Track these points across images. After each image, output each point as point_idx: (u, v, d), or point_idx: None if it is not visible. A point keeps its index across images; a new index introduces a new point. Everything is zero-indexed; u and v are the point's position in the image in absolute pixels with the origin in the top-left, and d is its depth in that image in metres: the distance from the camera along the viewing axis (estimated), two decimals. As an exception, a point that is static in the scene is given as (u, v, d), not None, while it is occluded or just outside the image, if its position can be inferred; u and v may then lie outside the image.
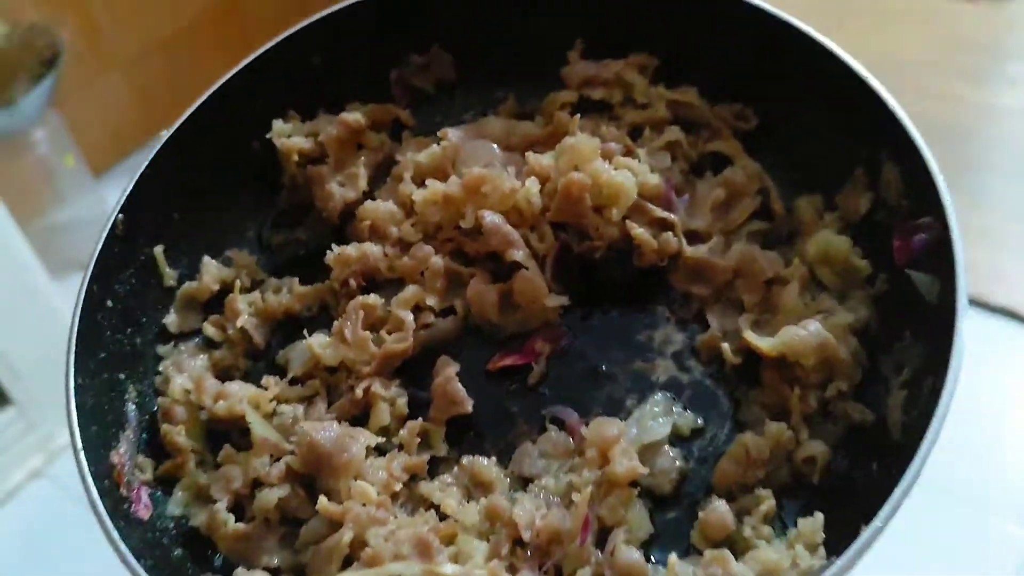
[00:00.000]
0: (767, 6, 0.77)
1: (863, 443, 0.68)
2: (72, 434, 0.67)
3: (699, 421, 0.72)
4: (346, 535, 0.65)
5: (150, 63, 2.38)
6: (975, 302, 1.19)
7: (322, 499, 0.67)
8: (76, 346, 0.70)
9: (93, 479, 0.65)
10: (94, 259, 0.74)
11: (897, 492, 0.57)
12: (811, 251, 0.74)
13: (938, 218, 0.67)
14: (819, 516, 0.64)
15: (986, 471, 1.24)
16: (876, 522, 0.56)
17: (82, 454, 0.66)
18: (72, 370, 0.69)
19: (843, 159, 0.76)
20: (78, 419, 0.67)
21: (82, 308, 0.72)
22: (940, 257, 0.66)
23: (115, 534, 0.63)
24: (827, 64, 0.74)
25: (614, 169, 0.75)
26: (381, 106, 0.87)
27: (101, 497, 0.65)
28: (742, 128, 0.82)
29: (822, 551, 0.62)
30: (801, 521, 0.65)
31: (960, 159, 1.36)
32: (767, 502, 0.67)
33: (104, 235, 0.75)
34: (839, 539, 0.62)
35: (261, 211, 0.86)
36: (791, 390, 0.70)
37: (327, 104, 0.86)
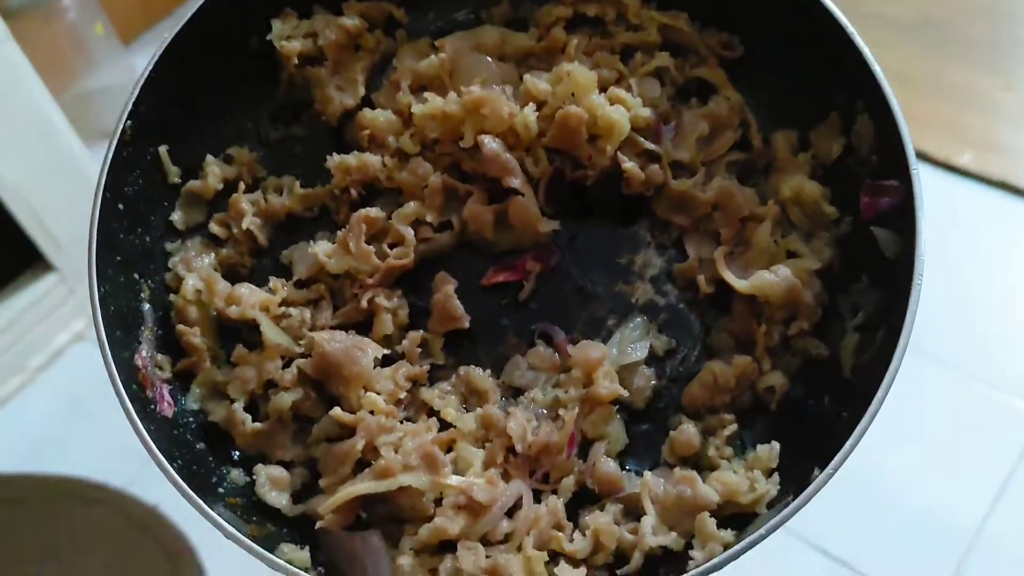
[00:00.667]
0: None
1: (818, 375, 0.77)
2: (102, 347, 0.71)
3: (673, 343, 0.81)
4: (359, 443, 0.73)
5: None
6: (1003, 184, 1.22)
7: (336, 409, 0.74)
8: (96, 258, 0.73)
9: (124, 387, 0.71)
10: (105, 166, 0.75)
11: (849, 441, 0.66)
12: (785, 192, 0.81)
13: (904, 183, 0.73)
14: (775, 445, 0.74)
15: (984, 343, 1.31)
16: (828, 470, 0.66)
17: (112, 364, 0.71)
18: (95, 282, 0.72)
19: (821, 101, 0.81)
20: (104, 326, 0.71)
21: (98, 219, 0.74)
22: (903, 219, 0.73)
23: (147, 437, 0.69)
24: (813, 9, 0.78)
25: (609, 102, 0.79)
26: (376, 3, 0.87)
27: (132, 403, 0.70)
28: (727, 56, 0.85)
29: (776, 476, 0.73)
30: (760, 447, 0.75)
31: (997, 39, 1.34)
32: (731, 426, 0.76)
33: (114, 141, 0.76)
34: (791, 464, 0.73)
35: (259, 106, 0.87)
36: (758, 324, 0.78)
37: (323, 0, 0.86)
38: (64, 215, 1.78)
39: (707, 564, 0.66)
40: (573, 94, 0.79)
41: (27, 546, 1.66)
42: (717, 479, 0.73)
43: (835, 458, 0.66)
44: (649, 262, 0.83)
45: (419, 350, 0.79)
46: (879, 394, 0.68)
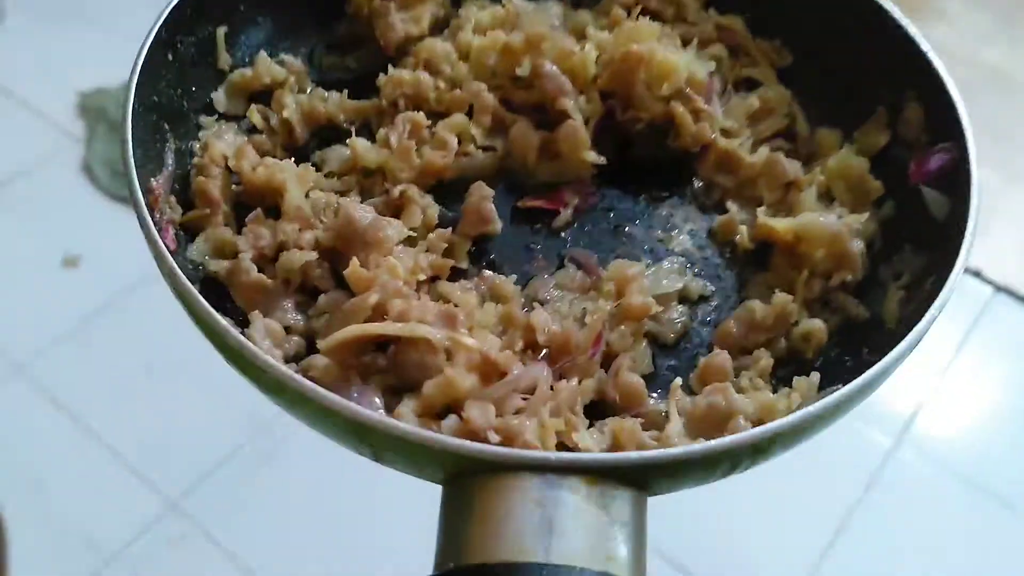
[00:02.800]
0: None
1: (857, 335, 0.73)
2: (124, 141, 0.67)
3: (709, 289, 0.77)
4: (372, 297, 0.67)
5: None
6: None
7: (354, 262, 0.69)
8: (139, 75, 0.71)
9: (140, 186, 0.66)
10: (168, 8, 0.75)
11: (907, 340, 0.62)
12: (831, 165, 0.80)
13: (958, 143, 0.74)
14: (816, 376, 0.68)
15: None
16: (884, 360, 0.61)
17: (130, 155, 0.67)
18: (133, 91, 0.70)
19: (868, 99, 0.83)
20: (132, 136, 0.68)
21: (150, 44, 0.73)
22: (956, 179, 0.73)
23: (154, 233, 0.64)
24: (865, 8, 0.81)
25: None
26: (450, -42, 0.91)
27: (148, 212, 0.65)
28: (777, 63, 0.88)
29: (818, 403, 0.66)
30: (797, 380, 0.69)
31: None
32: (765, 359, 0.71)
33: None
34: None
35: (318, 34, 0.88)
36: (798, 275, 0.75)
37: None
38: None
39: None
40: (635, 43, 0.81)
41: None
42: (752, 397, 0.67)
43: (888, 354, 0.61)
44: (689, 217, 0.81)
45: (445, 247, 0.75)
46: (931, 311, 0.64)
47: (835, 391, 0.61)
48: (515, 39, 0.81)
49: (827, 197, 0.80)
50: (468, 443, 0.57)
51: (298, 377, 0.58)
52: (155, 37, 0.73)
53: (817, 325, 0.73)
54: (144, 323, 1.81)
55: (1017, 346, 1.19)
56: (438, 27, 0.89)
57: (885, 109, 0.82)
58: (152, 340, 1.82)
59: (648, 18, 0.87)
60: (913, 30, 0.80)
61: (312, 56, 0.88)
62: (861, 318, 0.74)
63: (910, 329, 0.63)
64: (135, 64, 0.71)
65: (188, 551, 1.59)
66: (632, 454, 0.57)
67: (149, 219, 0.64)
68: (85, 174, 1.78)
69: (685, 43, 0.87)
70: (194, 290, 0.61)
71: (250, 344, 0.59)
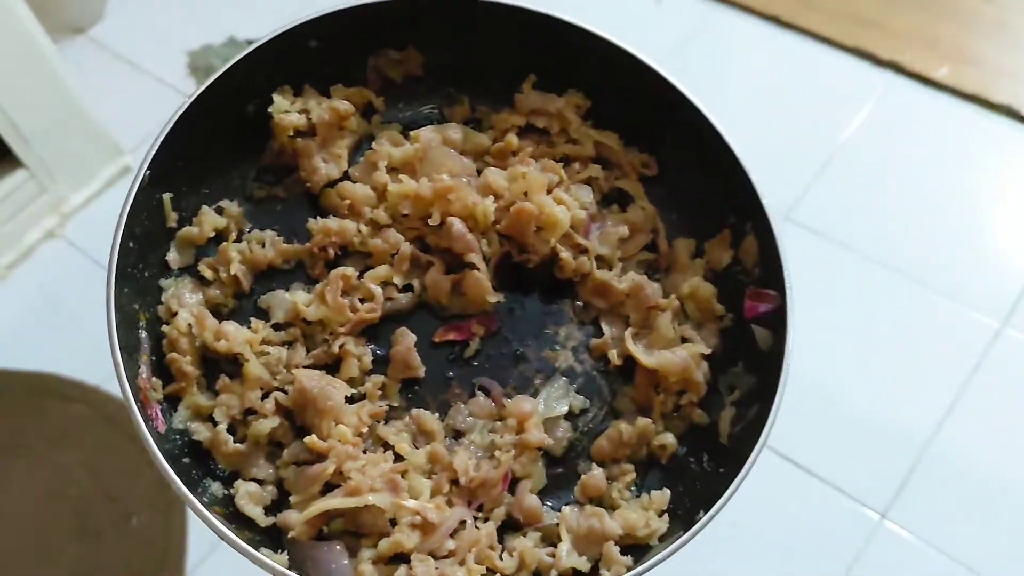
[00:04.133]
0: (664, 72, 0.98)
1: (700, 438, 0.96)
2: (118, 370, 0.81)
3: (586, 403, 0.98)
4: (330, 466, 0.86)
5: None
6: (977, 99, 1.18)
7: (312, 437, 0.87)
8: (114, 289, 0.84)
9: (136, 404, 0.81)
10: (128, 204, 0.86)
11: (726, 493, 0.85)
12: (685, 289, 1.00)
13: (781, 296, 0.94)
14: (666, 491, 0.92)
15: (947, 257, 1.30)
16: (709, 513, 0.84)
17: (128, 387, 0.81)
18: (112, 312, 0.83)
19: (716, 218, 1.01)
20: (120, 349, 0.82)
21: (118, 255, 0.85)
22: (777, 323, 0.94)
23: (158, 452, 0.80)
24: (714, 144, 0.97)
25: (555, 202, 0.96)
26: (358, 90, 1.02)
27: (146, 422, 0.81)
28: (645, 174, 1.05)
29: (666, 516, 0.90)
30: (654, 492, 0.92)
31: None
32: (630, 474, 0.94)
33: (135, 183, 0.87)
34: (677, 507, 0.91)
35: (247, 165, 1.00)
36: (656, 394, 0.96)
37: (313, 80, 1.00)
38: (31, 112, 1.77)
39: None
40: (526, 192, 0.96)
41: (1, 442, 1.65)
42: (619, 515, 0.90)
43: (715, 505, 0.85)
44: (571, 335, 1.00)
45: (379, 392, 0.93)
46: (751, 458, 0.87)
47: (664, 547, 0.84)
48: (425, 190, 0.96)
49: (681, 314, 1.00)
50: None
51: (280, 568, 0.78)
52: (123, 239, 0.85)
53: (670, 439, 0.95)
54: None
55: None
56: (358, 145, 1.01)
57: (729, 231, 1.01)
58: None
59: (535, 134, 1.02)
60: (755, 178, 0.97)
61: (245, 187, 0.99)
62: (703, 423, 0.97)
63: (736, 466, 0.86)
64: (110, 276, 0.84)
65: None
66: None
67: (141, 421, 0.80)
68: None
69: (566, 163, 1.02)
70: (183, 488, 0.79)
71: (229, 533, 0.78)
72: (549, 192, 0.98)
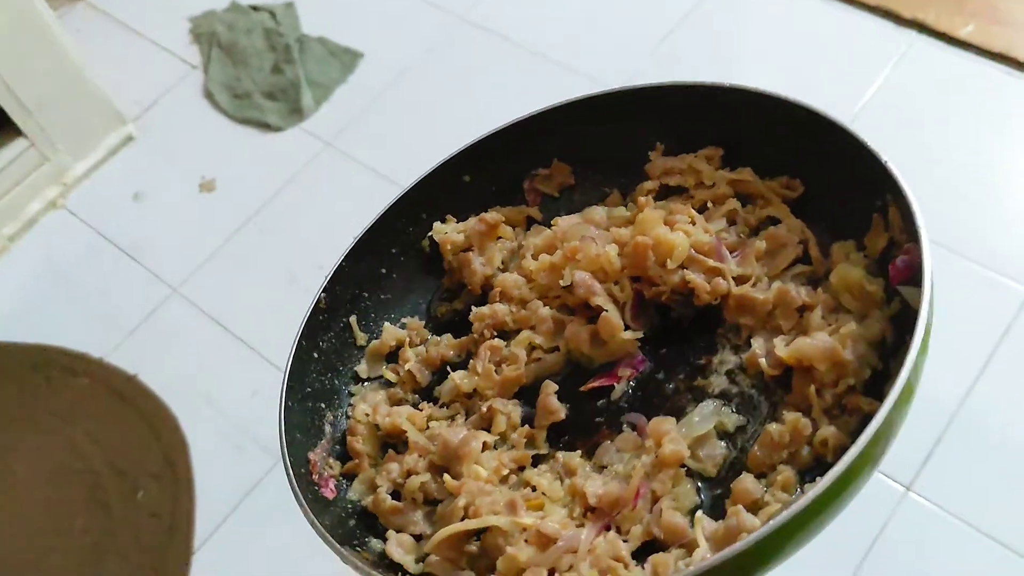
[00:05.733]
0: (798, 100, 0.97)
1: None
2: (280, 437, 0.95)
3: (744, 420, 0.90)
4: (461, 500, 0.89)
5: None
6: (1004, 58, 1.11)
7: (447, 476, 0.91)
8: (288, 381, 1.00)
9: (291, 467, 0.93)
10: (303, 325, 1.04)
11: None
12: (832, 281, 0.92)
13: (917, 244, 0.83)
14: (820, 481, 0.80)
15: (985, 223, 1.17)
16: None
17: (285, 449, 0.94)
18: (284, 396, 0.98)
19: (865, 210, 0.94)
20: (284, 429, 0.96)
21: (293, 356, 1.01)
22: (919, 272, 0.82)
23: (305, 505, 0.90)
24: (844, 141, 0.93)
25: (670, 230, 0.97)
26: (516, 208, 1.14)
27: (297, 480, 0.92)
28: (789, 196, 1.01)
29: None
30: (806, 486, 0.81)
31: None
32: (784, 473, 0.83)
33: (310, 309, 1.05)
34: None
35: (430, 290, 1.14)
36: (816, 393, 0.87)
37: (477, 210, 1.14)
38: (31, 80, 1.74)
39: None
40: (643, 232, 0.99)
41: (6, 415, 1.61)
42: (763, 512, 0.80)
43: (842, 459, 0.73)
44: (725, 360, 0.95)
45: (525, 440, 0.95)
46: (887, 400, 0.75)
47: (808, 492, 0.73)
48: (557, 257, 1.02)
49: (841, 309, 0.91)
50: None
51: None
52: (296, 350, 1.02)
53: (831, 431, 0.84)
54: (282, 236, 1.88)
55: None
56: (512, 256, 1.11)
57: (878, 214, 0.92)
58: (291, 250, 1.89)
59: (675, 194, 1.05)
60: (874, 146, 0.90)
61: (429, 307, 1.13)
62: (875, 412, 0.84)
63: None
64: (284, 377, 1.00)
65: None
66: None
67: (297, 486, 0.91)
68: (207, 99, 1.87)
69: (703, 207, 1.03)
70: (328, 535, 0.86)
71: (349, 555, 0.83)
72: (671, 227, 0.99)
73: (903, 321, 0.87)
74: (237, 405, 1.85)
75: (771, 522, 0.72)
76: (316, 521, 0.87)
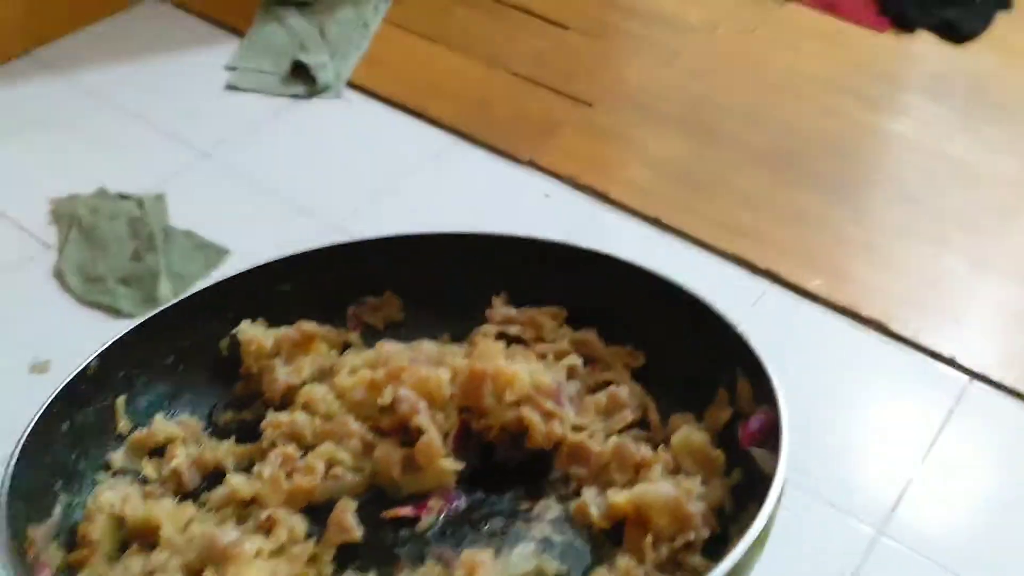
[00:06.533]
0: (646, 267, 0.96)
1: None
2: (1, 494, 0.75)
3: (564, 568, 0.80)
4: (214, 604, 0.71)
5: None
6: (849, 312, 1.19)
7: (208, 571, 0.73)
8: (27, 438, 0.81)
9: (8, 534, 0.73)
10: (61, 386, 0.86)
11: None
12: (674, 442, 0.86)
13: (772, 407, 0.81)
14: None
15: (845, 473, 1.14)
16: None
17: (4, 511, 0.74)
18: (18, 451, 0.79)
19: (710, 384, 0.91)
20: (9, 488, 0.76)
21: (41, 415, 0.83)
22: (775, 433, 0.79)
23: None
24: (695, 308, 0.92)
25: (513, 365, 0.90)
26: (336, 329, 1.03)
27: (10, 550, 0.72)
28: (632, 365, 0.97)
29: None
30: None
31: (846, 175, 1.38)
32: None
33: (75, 371, 0.88)
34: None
35: (215, 396, 0.99)
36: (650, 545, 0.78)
37: (291, 322, 1.02)
38: None
39: None
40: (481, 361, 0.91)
41: None
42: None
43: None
44: (549, 507, 0.85)
45: (307, 559, 0.80)
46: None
47: None
48: (379, 374, 0.91)
49: (681, 472, 0.85)
50: None
51: None
52: (46, 411, 0.84)
53: (661, 582, 0.75)
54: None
55: (996, 432, 1.13)
56: (323, 375, 0.99)
57: (724, 389, 0.89)
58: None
59: (510, 344, 0.98)
60: (733, 318, 0.89)
61: (211, 414, 0.98)
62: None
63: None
64: (23, 433, 0.81)
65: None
66: None
67: (9, 554, 0.71)
68: (56, 279, 1.68)
69: (542, 358, 0.97)
70: None
71: None
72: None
73: (744, 493, 0.82)
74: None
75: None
76: None
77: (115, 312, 1.44)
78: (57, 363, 1.78)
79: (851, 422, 1.15)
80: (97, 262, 1.66)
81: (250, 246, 1.46)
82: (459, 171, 1.45)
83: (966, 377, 1.14)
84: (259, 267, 1.01)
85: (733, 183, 1.25)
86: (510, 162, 1.41)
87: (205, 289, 0.99)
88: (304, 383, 0.96)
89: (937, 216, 1.32)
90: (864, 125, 1.50)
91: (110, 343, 0.91)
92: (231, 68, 1.72)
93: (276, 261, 1.02)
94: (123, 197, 1.56)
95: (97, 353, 0.90)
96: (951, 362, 1.14)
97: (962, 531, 1.03)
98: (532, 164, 1.44)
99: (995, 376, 1.14)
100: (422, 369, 0.91)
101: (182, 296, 0.98)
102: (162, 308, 0.96)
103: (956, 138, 1.48)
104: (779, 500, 0.73)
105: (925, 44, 1.74)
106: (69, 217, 1.85)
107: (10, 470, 0.78)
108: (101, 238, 1.62)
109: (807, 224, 1.28)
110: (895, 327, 1.18)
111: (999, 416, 1.12)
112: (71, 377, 0.87)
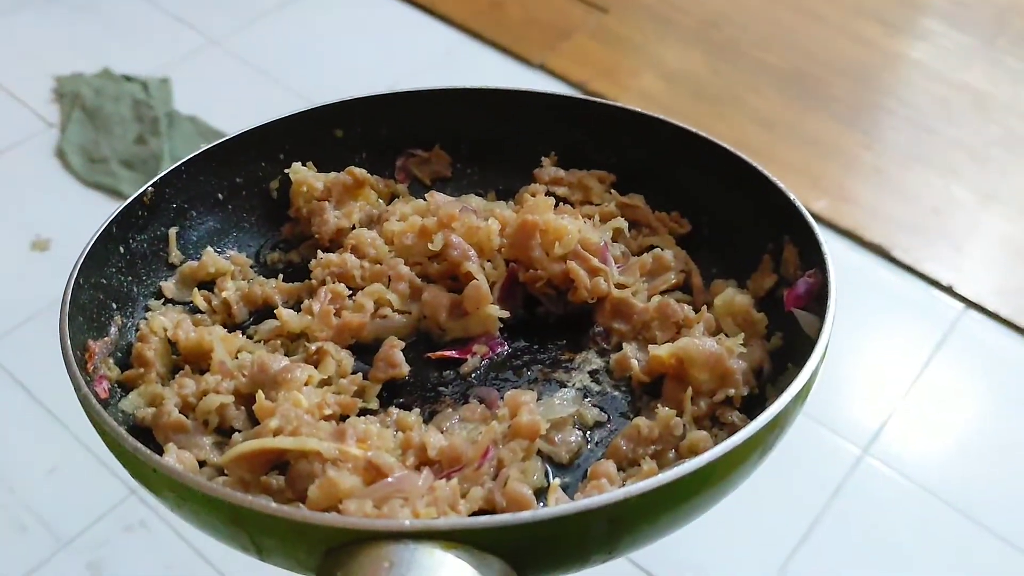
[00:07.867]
0: (700, 132, 0.95)
1: None
2: (63, 304, 0.77)
3: (604, 416, 0.81)
4: (273, 422, 0.73)
5: None
6: (852, 235, 1.22)
7: (259, 396, 0.76)
8: (86, 258, 0.82)
9: (69, 342, 0.75)
10: (118, 211, 0.87)
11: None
12: (717, 303, 0.87)
13: (822, 270, 0.81)
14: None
15: (835, 394, 1.19)
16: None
17: (66, 321, 0.76)
18: (78, 268, 0.81)
19: (754, 250, 0.91)
20: (71, 299, 0.78)
21: (98, 237, 0.84)
22: (822, 298, 0.79)
23: (79, 377, 0.72)
24: (748, 176, 0.91)
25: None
26: (385, 180, 1.04)
27: (72, 357, 0.74)
28: (677, 231, 0.98)
29: None
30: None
31: (861, 100, 1.39)
32: (649, 466, 0.74)
33: (132, 198, 0.89)
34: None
35: (265, 235, 1.00)
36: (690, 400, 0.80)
37: (340, 168, 1.03)
38: None
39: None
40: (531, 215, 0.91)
41: None
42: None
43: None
44: (588, 360, 0.87)
45: (354, 389, 0.82)
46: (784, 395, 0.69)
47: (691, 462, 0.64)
48: (430, 221, 0.92)
49: (718, 334, 0.86)
50: (329, 515, 0.61)
51: (177, 467, 0.63)
52: (104, 232, 0.85)
53: (702, 436, 0.77)
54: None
55: (986, 362, 1.16)
56: (370, 222, 1.00)
57: (769, 256, 0.90)
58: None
59: (557, 205, 0.98)
60: (782, 184, 0.89)
61: (259, 254, 0.99)
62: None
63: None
64: (83, 251, 0.83)
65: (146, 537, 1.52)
66: (480, 518, 0.60)
67: (76, 367, 0.73)
68: (58, 159, 1.71)
69: (588, 219, 0.97)
70: (96, 403, 0.68)
71: (136, 443, 0.65)
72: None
73: (783, 357, 0.84)
74: (29, 481, 1.67)
75: (656, 478, 0.63)
76: (88, 392, 0.69)
77: (117, 194, 1.46)
78: (58, 242, 1.82)
79: (845, 345, 1.17)
80: (100, 143, 1.66)
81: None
82: (468, 71, 1.43)
83: (961, 305, 1.15)
84: (313, 108, 1.01)
85: (747, 102, 1.24)
86: (521, 64, 1.39)
87: (258, 127, 0.98)
88: (354, 227, 0.97)
89: (949, 145, 1.32)
90: (884, 50, 1.48)
91: (167, 172, 0.92)
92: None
93: (330, 104, 1.01)
94: (128, 79, 1.54)
95: (153, 182, 0.91)
96: (949, 290, 1.15)
97: (942, 455, 1.05)
98: (543, 68, 1.42)
99: (991, 306, 1.15)
100: (472, 218, 0.91)
101: (235, 132, 0.98)
102: (217, 142, 0.96)
103: (975, 67, 1.46)
104: (823, 358, 0.74)
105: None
106: (72, 96, 1.88)
107: (71, 285, 0.79)
108: (105, 119, 1.61)
109: (818, 146, 1.28)
110: (896, 253, 1.18)
111: (990, 346, 1.14)
112: (128, 202, 0.88)
